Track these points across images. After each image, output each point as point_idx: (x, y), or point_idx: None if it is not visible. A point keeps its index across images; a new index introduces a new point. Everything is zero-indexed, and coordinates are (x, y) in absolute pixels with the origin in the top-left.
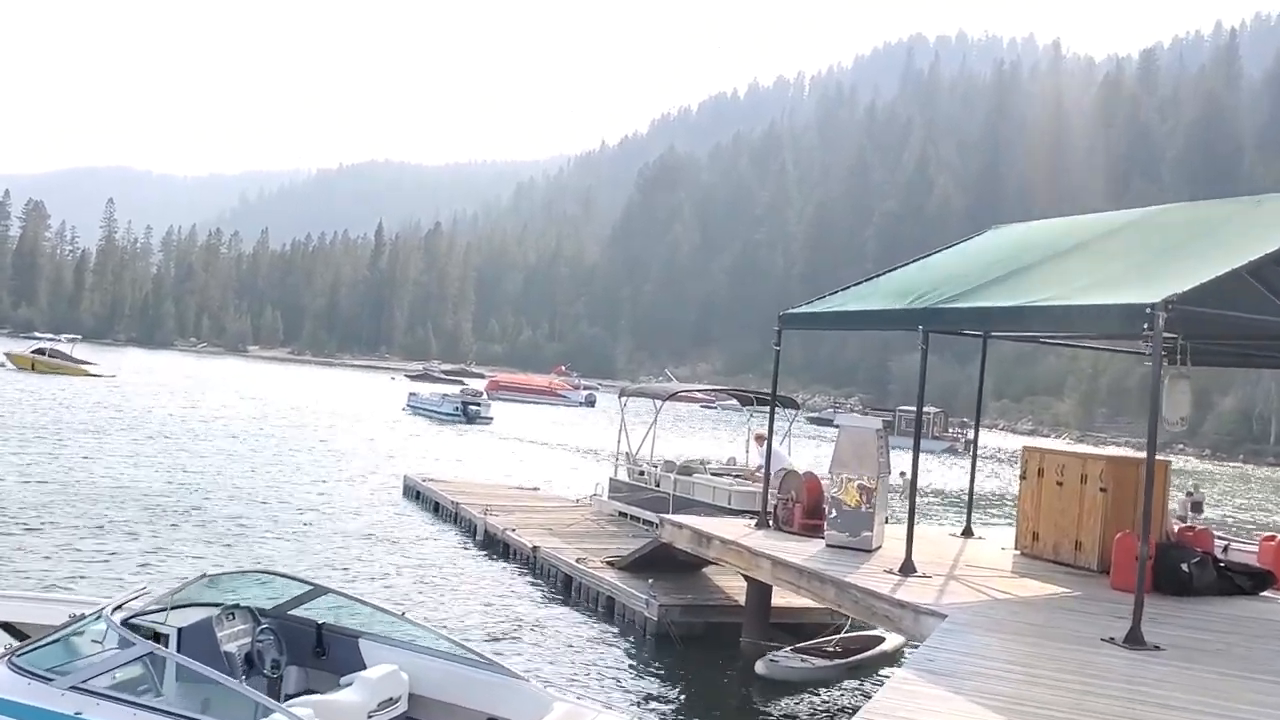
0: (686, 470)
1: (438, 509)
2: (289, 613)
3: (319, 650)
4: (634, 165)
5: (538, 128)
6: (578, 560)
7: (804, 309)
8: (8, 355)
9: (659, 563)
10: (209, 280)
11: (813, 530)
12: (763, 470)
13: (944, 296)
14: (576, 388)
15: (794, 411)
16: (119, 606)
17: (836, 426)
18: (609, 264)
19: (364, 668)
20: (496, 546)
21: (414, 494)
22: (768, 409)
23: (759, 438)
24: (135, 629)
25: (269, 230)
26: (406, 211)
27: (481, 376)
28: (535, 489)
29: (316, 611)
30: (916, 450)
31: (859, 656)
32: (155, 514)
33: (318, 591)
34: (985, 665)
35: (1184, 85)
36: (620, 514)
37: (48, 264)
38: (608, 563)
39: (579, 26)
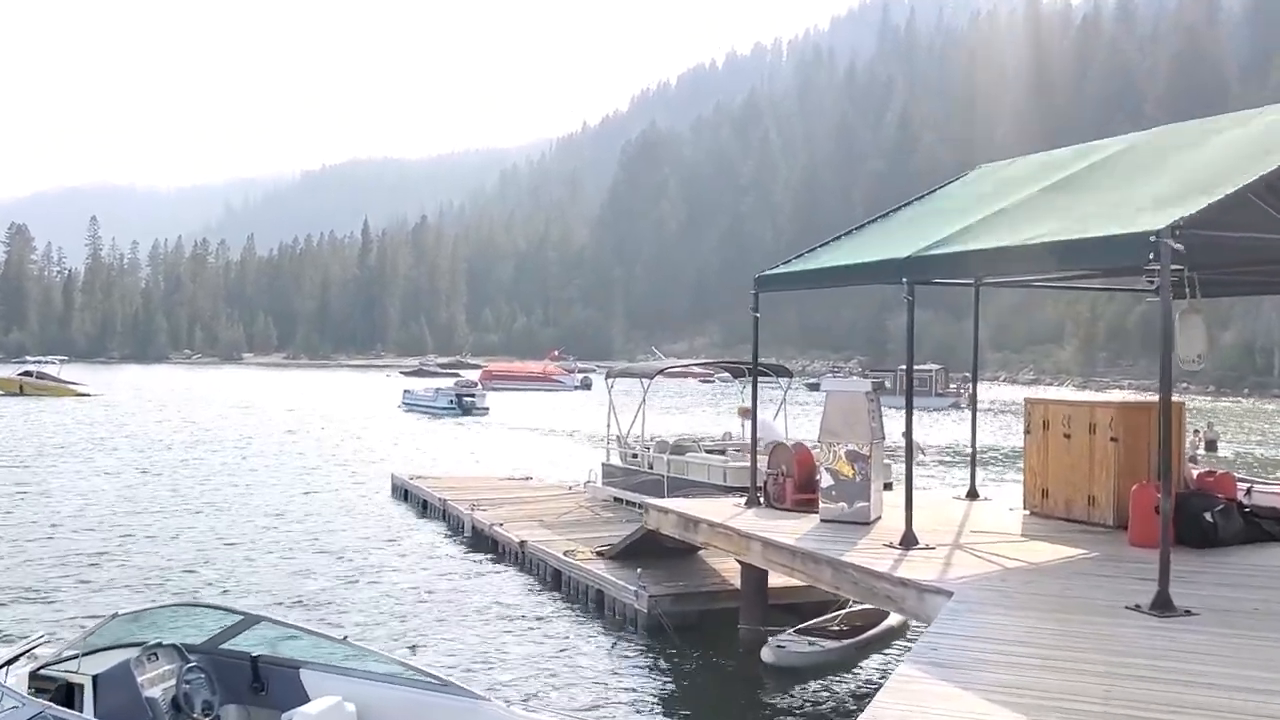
0: (679, 450)
1: (425, 507)
2: (220, 647)
3: (256, 685)
4: (616, 144)
5: (518, 112)
6: (565, 552)
7: (780, 269)
8: None
9: (650, 550)
10: (198, 291)
11: (806, 505)
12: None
13: (928, 244)
14: (571, 372)
15: (787, 379)
16: (11, 660)
17: (824, 392)
18: (598, 245)
19: (307, 700)
20: (484, 542)
21: (402, 493)
22: (762, 379)
23: (743, 411)
24: (46, 680)
25: (255, 236)
26: (393, 207)
27: (478, 368)
28: (527, 479)
29: (250, 643)
30: (909, 410)
31: (869, 634)
32: (120, 537)
33: (249, 621)
34: (997, 650)
35: (1163, 21)
36: (615, 500)
37: (35, 287)
38: (598, 553)
39: (552, 6)
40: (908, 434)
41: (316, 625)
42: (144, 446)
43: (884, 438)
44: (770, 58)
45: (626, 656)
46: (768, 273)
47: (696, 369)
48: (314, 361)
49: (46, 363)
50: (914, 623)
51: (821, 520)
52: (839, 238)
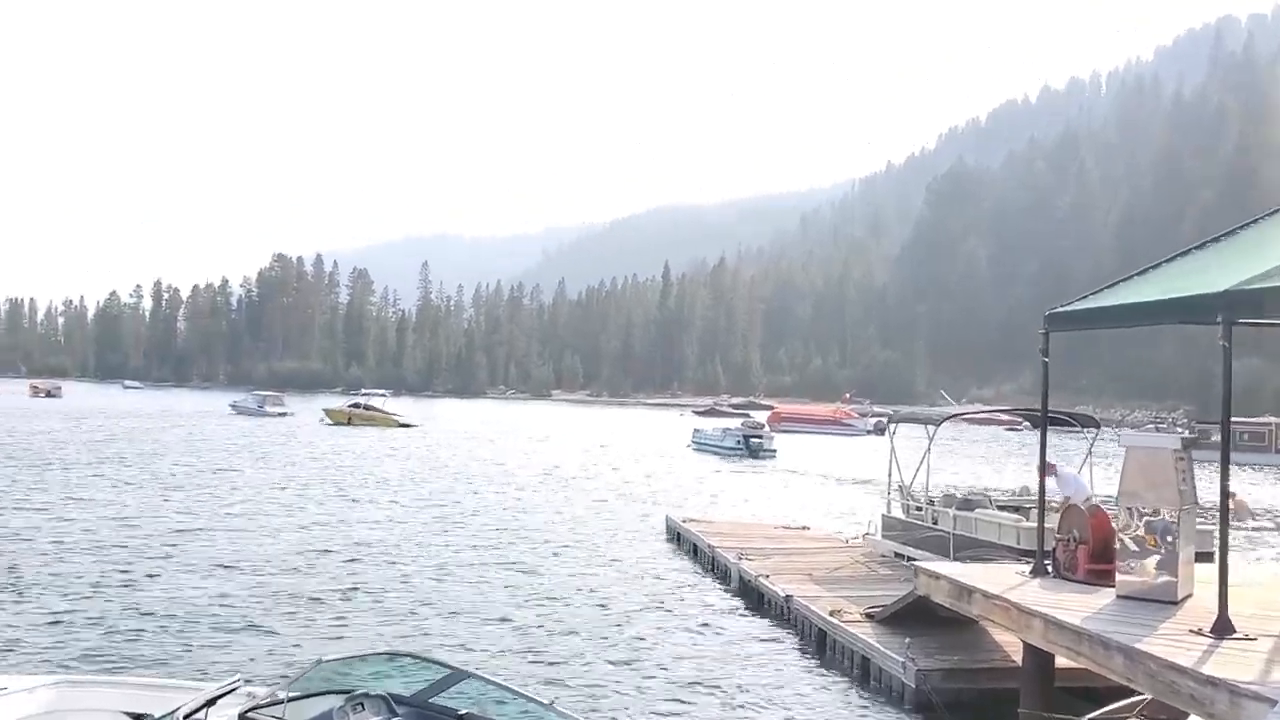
0: (968, 505)
1: (696, 552)
2: (428, 700)
3: None
4: (922, 182)
5: (821, 156)
6: (832, 612)
7: (1075, 306)
8: (326, 411)
9: (923, 615)
10: (514, 331)
11: (1101, 577)
12: (1063, 501)
13: (1253, 275)
14: (864, 416)
15: (1094, 431)
16: (210, 702)
17: (1123, 448)
18: (900, 284)
19: None
20: (750, 594)
21: (675, 536)
22: (1064, 429)
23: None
24: None
25: (566, 280)
26: (695, 251)
27: (769, 409)
28: (804, 528)
29: (456, 700)
30: (1225, 466)
31: None
32: (395, 564)
33: (457, 676)
34: None
35: None
36: (896, 555)
37: (374, 326)
38: (866, 614)
39: (856, 48)
40: (1223, 494)
41: (525, 686)
42: (445, 477)
43: (1196, 501)
44: (1088, 90)
45: None
46: (1059, 310)
47: (1002, 415)
48: (615, 399)
49: (374, 395)
50: None
51: (1118, 596)
52: (1146, 270)
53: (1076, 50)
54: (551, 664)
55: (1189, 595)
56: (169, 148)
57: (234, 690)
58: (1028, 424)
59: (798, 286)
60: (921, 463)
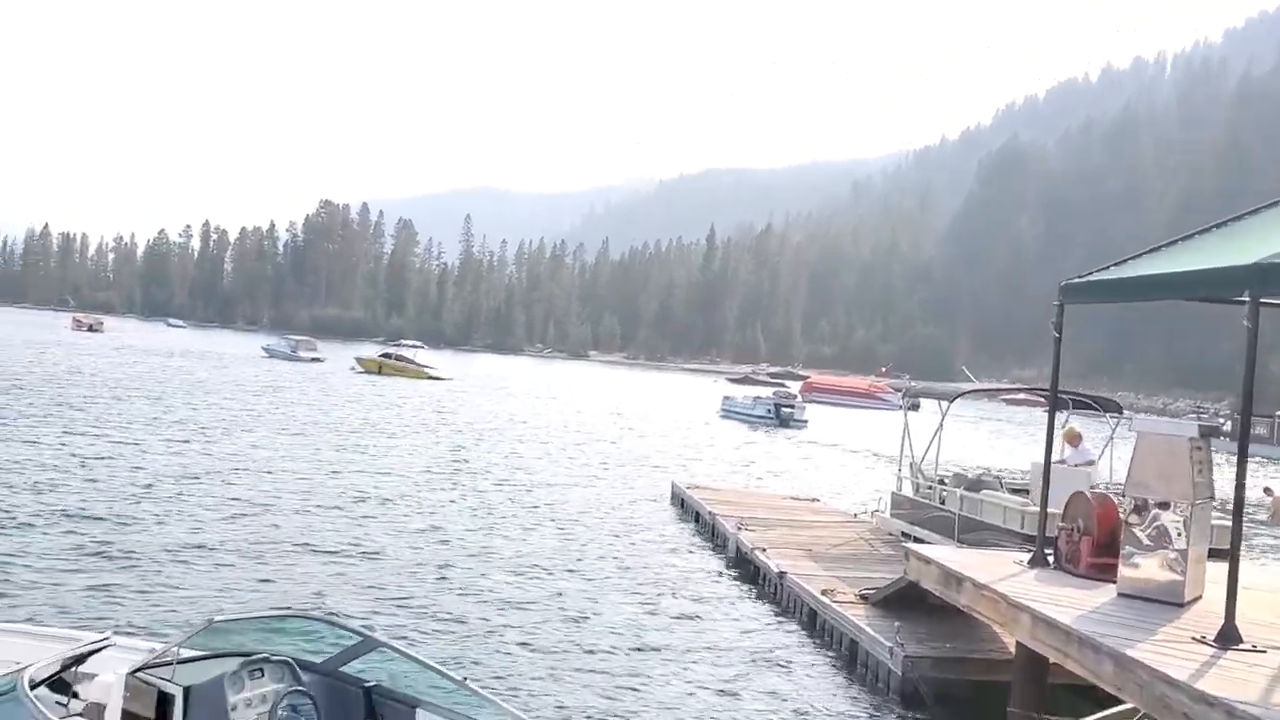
0: (976, 485)
1: (698, 519)
2: (339, 669)
3: None
4: (975, 158)
5: (876, 126)
6: (824, 591)
7: (1093, 277)
8: (358, 359)
9: (917, 600)
10: (555, 290)
11: (1105, 572)
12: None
13: None
14: (899, 391)
15: (1116, 416)
16: (69, 665)
17: (1134, 433)
18: (947, 259)
19: None
20: (745, 566)
21: (679, 502)
22: (1086, 411)
23: (1070, 435)
24: (144, 684)
25: (610, 240)
26: (743, 216)
27: (806, 379)
28: (814, 500)
29: (364, 670)
30: (1242, 460)
31: None
32: (394, 509)
33: (369, 644)
34: None
35: None
36: (903, 534)
37: (415, 278)
38: (861, 596)
39: (917, 21)
40: (1238, 487)
41: (441, 662)
42: (462, 432)
43: (1213, 495)
44: (1151, 71)
45: None
46: (1075, 280)
47: (1021, 393)
48: (651, 362)
49: (407, 346)
50: None
51: (1118, 594)
52: (1175, 242)
53: (1143, 30)
54: (516, 625)
55: (1197, 597)
56: (226, 91)
57: (104, 648)
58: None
59: (844, 255)
60: (933, 440)
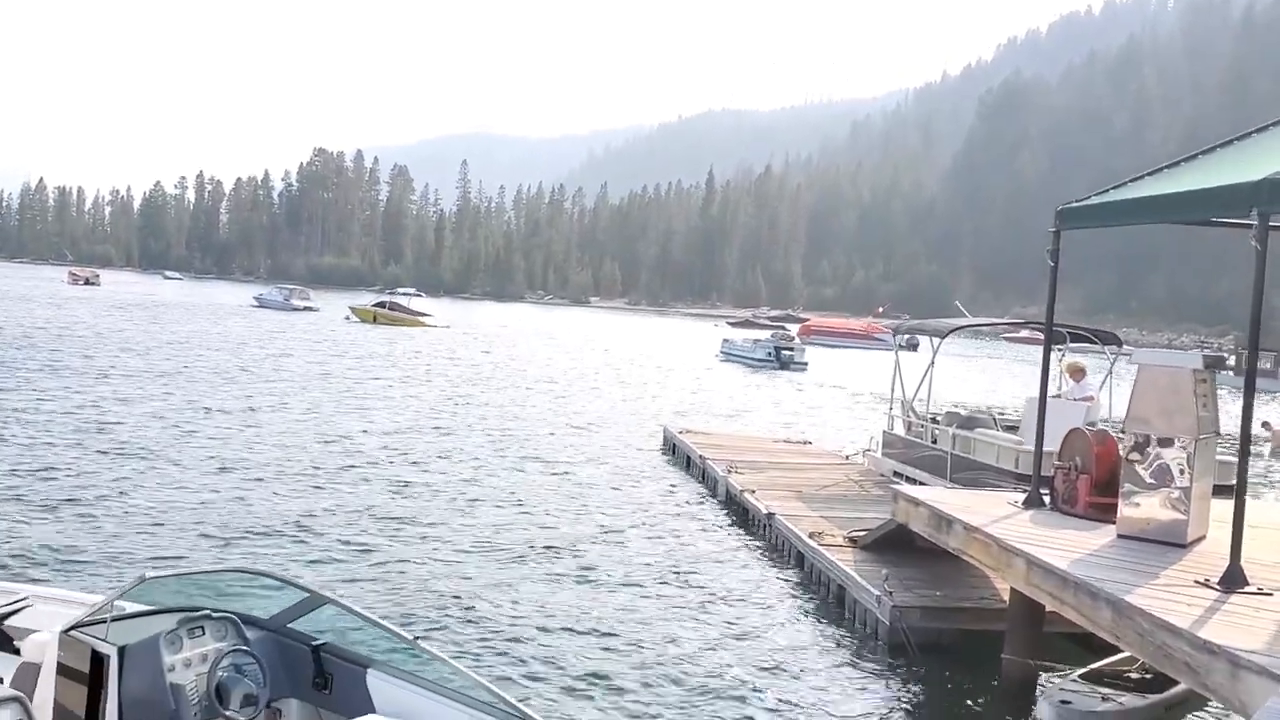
0: (968, 423)
1: (689, 463)
2: (287, 626)
3: (319, 681)
4: (976, 94)
5: (876, 64)
6: (812, 534)
7: (1093, 200)
8: (352, 309)
9: (906, 544)
10: (554, 235)
11: (1104, 512)
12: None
13: None
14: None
15: (1115, 349)
16: None
17: (1134, 366)
18: (949, 198)
19: (372, 710)
20: (735, 509)
21: (671, 447)
22: (1084, 345)
23: (1073, 369)
24: (78, 643)
25: (610, 184)
26: (743, 158)
27: (806, 321)
28: (806, 443)
29: (311, 627)
30: (1249, 392)
31: (1182, 688)
32: (365, 462)
33: (315, 600)
34: None
35: None
36: (895, 474)
37: (412, 225)
38: (850, 539)
39: None
40: (1245, 418)
41: (385, 618)
42: (453, 380)
43: (1218, 430)
44: (1154, 2)
45: (853, 679)
46: (1072, 205)
47: (1020, 328)
48: (653, 308)
49: (402, 294)
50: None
51: (1118, 535)
52: (1177, 163)
53: None
54: (499, 569)
55: (1201, 537)
56: (217, 39)
57: (21, 609)
58: (1087, 340)
59: (844, 196)
60: (924, 377)
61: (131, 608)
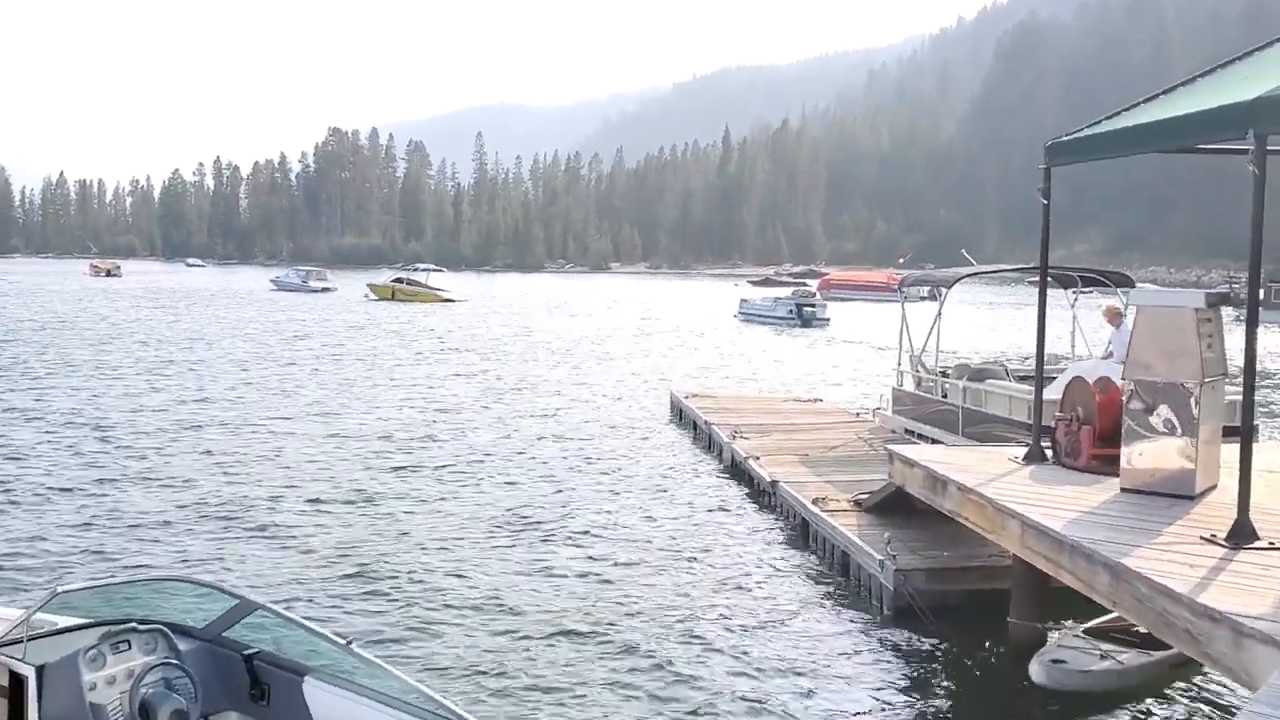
0: (979, 375)
1: (695, 429)
2: (221, 634)
3: (255, 692)
4: (993, 36)
5: (893, 11)
6: (815, 500)
7: (1082, 132)
8: (370, 286)
9: (909, 505)
10: (572, 204)
11: (1109, 464)
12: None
13: None
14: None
15: (1129, 289)
16: None
17: (1130, 306)
18: (968, 144)
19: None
20: (740, 476)
21: (678, 412)
22: (1096, 289)
23: (1111, 313)
24: None
25: (626, 148)
26: (761, 113)
27: (825, 276)
28: (817, 400)
29: (241, 635)
30: (1252, 327)
31: None
32: (374, 441)
33: (245, 607)
34: None
35: None
36: (906, 432)
37: (431, 200)
38: (855, 502)
39: None
40: (1248, 361)
41: (320, 624)
42: (473, 352)
43: (1225, 371)
44: None
45: (858, 647)
46: (1060, 139)
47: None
48: (675, 270)
49: (420, 269)
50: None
51: (1122, 489)
52: (1174, 88)
53: None
54: (496, 545)
55: (1211, 487)
56: (223, 23)
57: None
58: (1109, 283)
59: (863, 147)
60: (932, 328)
61: (65, 622)
